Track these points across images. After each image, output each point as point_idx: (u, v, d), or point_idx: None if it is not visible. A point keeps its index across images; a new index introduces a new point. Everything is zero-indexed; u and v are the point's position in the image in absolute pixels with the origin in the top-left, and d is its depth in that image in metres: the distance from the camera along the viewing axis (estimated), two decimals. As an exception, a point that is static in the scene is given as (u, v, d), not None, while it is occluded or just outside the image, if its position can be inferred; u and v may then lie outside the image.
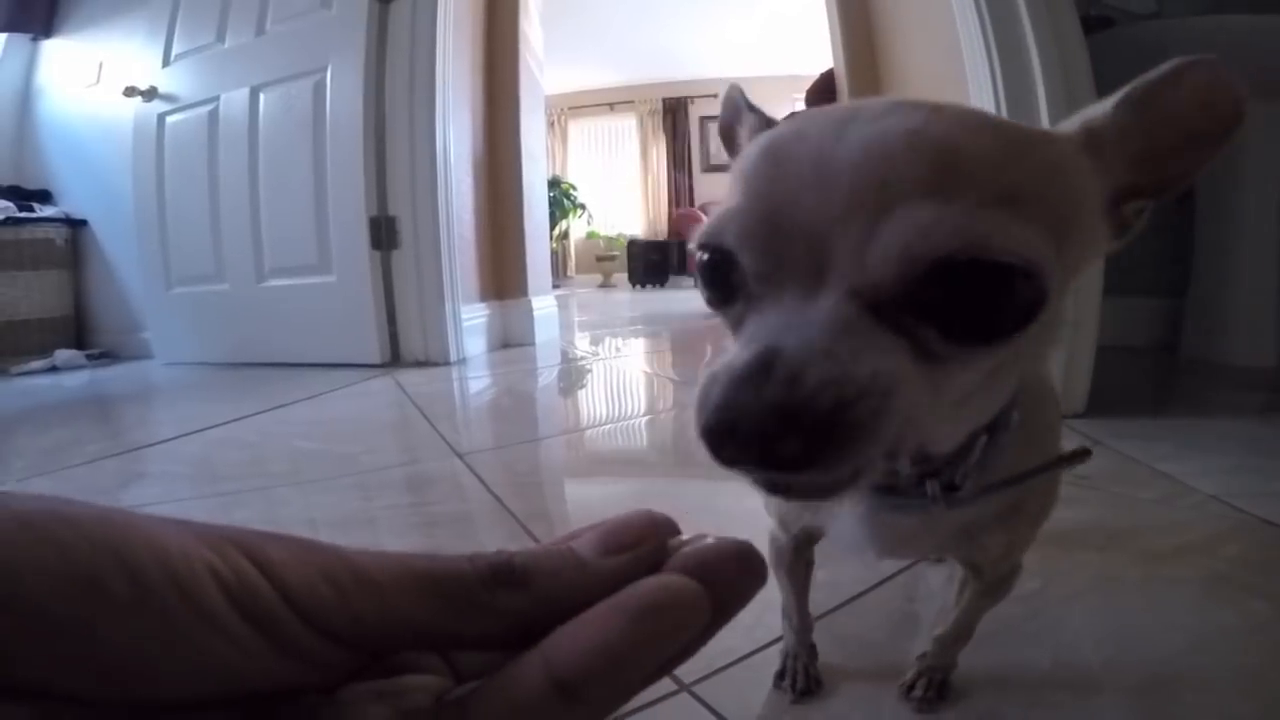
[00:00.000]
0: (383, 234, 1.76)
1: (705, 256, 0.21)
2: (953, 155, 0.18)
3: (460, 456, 0.98)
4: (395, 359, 1.79)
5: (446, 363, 1.74)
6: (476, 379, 1.63)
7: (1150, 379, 1.53)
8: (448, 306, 1.76)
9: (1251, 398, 1.34)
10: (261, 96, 1.86)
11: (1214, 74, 0.22)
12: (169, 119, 2.01)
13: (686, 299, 4.51)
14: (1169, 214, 1.79)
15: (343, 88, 1.74)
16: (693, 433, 0.18)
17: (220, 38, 1.94)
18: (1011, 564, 0.38)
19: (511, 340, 2.10)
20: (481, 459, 0.98)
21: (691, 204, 6.76)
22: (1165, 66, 0.22)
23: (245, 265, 1.92)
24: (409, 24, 1.72)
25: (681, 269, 6.29)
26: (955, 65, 1.14)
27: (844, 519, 0.33)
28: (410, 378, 1.61)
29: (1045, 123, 0.99)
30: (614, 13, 5.25)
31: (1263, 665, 0.48)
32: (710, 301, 0.22)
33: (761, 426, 0.16)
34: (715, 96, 6.83)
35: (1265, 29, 1.35)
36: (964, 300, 0.18)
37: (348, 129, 1.73)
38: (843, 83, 1.82)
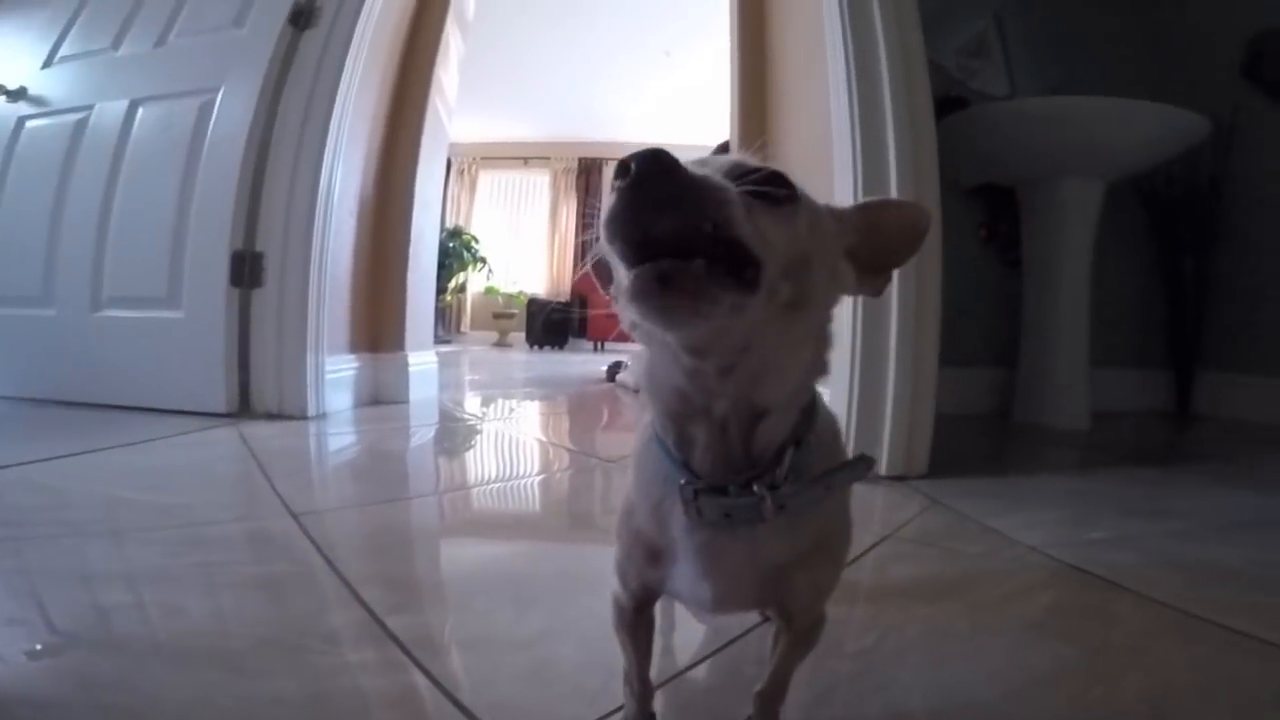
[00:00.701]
0: (245, 270, 1.62)
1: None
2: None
3: (295, 516, 0.88)
4: (245, 409, 1.62)
5: (303, 416, 1.60)
6: (336, 435, 1.50)
7: (985, 442, 1.67)
8: (310, 356, 1.62)
9: (1071, 456, 1.50)
10: (140, 111, 1.72)
11: (912, 211, 0.36)
12: (29, 123, 1.82)
13: (584, 362, 4.51)
14: (1003, 294, 2.04)
15: (231, 110, 1.63)
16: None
17: (116, 44, 1.79)
18: (816, 613, 0.40)
19: (383, 397, 1.96)
20: (323, 519, 0.88)
21: (597, 266, 6.87)
22: (882, 198, 0.37)
23: (80, 291, 1.70)
24: (318, 53, 1.65)
25: (582, 333, 6.28)
26: (826, 147, 1.26)
27: (680, 566, 0.35)
28: (258, 430, 1.45)
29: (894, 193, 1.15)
30: (538, 68, 5.36)
31: (1070, 710, 0.50)
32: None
33: (651, 165, 0.25)
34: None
35: (1092, 110, 1.62)
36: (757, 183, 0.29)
37: (226, 154, 1.61)
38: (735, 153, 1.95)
